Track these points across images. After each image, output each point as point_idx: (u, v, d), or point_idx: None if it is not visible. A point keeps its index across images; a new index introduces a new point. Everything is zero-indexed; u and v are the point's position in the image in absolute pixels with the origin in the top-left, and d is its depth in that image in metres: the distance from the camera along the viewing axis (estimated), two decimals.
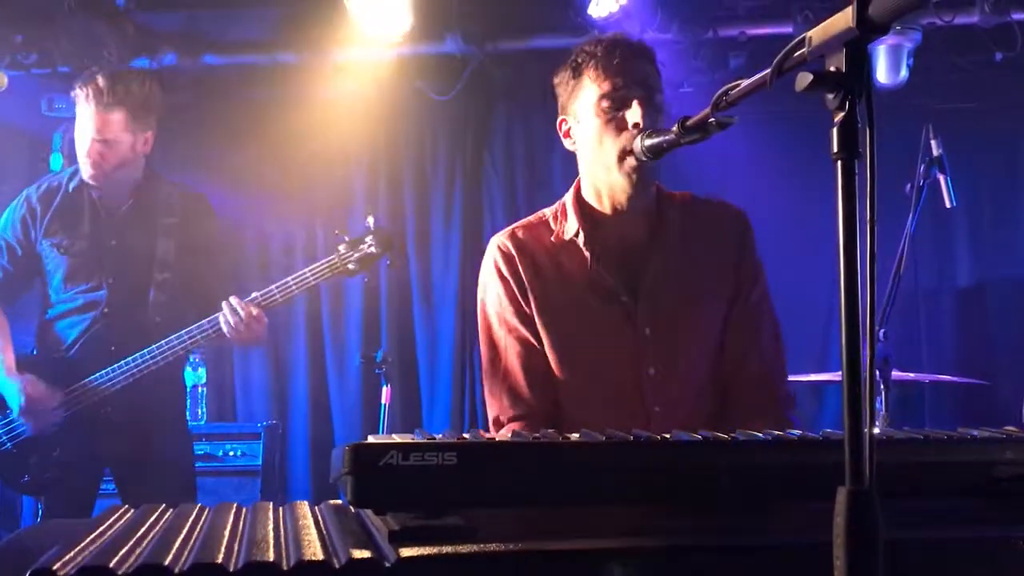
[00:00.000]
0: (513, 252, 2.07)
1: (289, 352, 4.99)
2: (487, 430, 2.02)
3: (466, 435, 1.30)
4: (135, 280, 3.20)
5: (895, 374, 3.27)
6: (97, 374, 3.11)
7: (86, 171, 3.18)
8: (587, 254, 2.05)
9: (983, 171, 4.67)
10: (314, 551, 1.08)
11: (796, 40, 1.14)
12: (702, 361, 2.07)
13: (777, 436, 1.33)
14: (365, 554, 1.08)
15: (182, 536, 1.16)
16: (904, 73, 4.16)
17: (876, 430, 1.30)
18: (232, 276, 3.45)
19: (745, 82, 1.30)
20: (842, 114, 1.04)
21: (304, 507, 1.35)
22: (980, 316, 4.67)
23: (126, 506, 1.38)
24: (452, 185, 5.04)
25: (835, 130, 1.05)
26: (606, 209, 2.06)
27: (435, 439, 1.21)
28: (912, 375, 3.63)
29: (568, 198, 2.12)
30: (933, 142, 3.33)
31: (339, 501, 1.38)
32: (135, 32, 4.39)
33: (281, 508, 1.34)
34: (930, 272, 4.68)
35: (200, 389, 4.54)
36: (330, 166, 5.04)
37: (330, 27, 4.30)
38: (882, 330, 3.16)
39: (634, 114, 1.95)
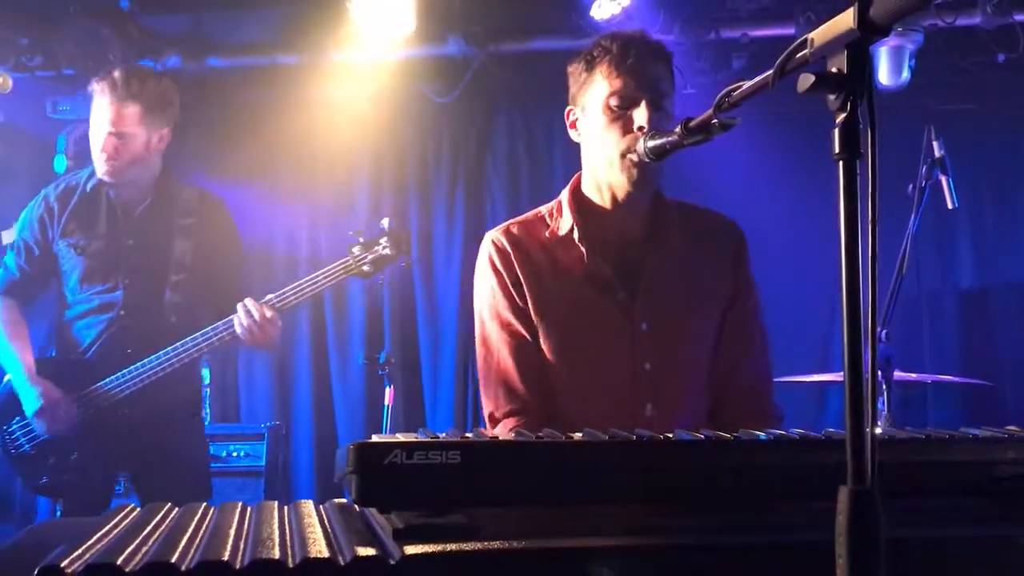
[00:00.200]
0: (508, 247, 2.08)
1: (292, 353, 5.00)
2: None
3: (469, 434, 1.30)
4: (151, 281, 3.20)
5: (897, 374, 3.27)
6: (113, 376, 3.11)
7: (100, 167, 3.17)
8: (583, 249, 2.05)
9: (985, 172, 4.68)
10: (319, 549, 1.09)
11: (798, 42, 1.14)
12: (697, 362, 2.08)
13: (779, 436, 1.33)
14: (370, 552, 1.08)
15: (188, 534, 1.17)
16: (906, 74, 4.17)
17: (878, 430, 1.31)
18: (248, 278, 3.43)
19: (747, 83, 1.30)
20: (844, 115, 1.05)
21: (309, 506, 1.35)
22: (982, 316, 4.67)
23: (132, 505, 1.39)
24: (454, 186, 5.05)
25: (837, 131, 1.05)
26: (606, 203, 2.07)
27: (439, 438, 1.21)
28: (915, 375, 3.63)
29: (564, 194, 2.13)
30: (935, 143, 3.33)
31: (344, 500, 1.39)
32: (139, 35, 4.41)
33: (286, 507, 1.35)
34: (932, 273, 4.68)
35: (204, 390, 4.54)
36: (332, 168, 5.05)
37: (332, 29, 4.31)
38: (884, 330, 3.16)
39: (641, 116, 1.95)
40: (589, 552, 1.13)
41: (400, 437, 1.21)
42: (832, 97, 1.06)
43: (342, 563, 1.06)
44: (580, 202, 2.10)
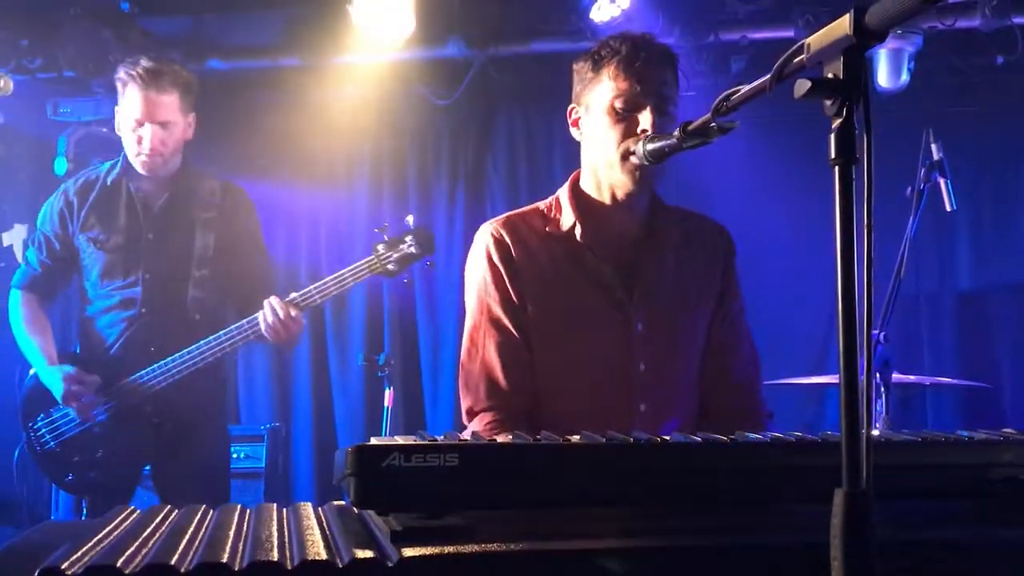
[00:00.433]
0: (506, 238, 2.07)
1: (292, 355, 5.00)
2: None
3: (467, 437, 1.31)
4: (173, 276, 3.16)
5: (896, 376, 3.28)
6: (138, 374, 3.09)
7: (142, 160, 3.12)
8: (584, 247, 2.06)
9: (984, 174, 4.68)
10: (317, 551, 1.10)
11: (795, 46, 1.15)
12: (689, 362, 2.10)
13: (776, 438, 1.34)
14: (368, 554, 1.09)
15: (188, 536, 1.17)
16: (905, 77, 4.17)
17: (875, 432, 1.31)
18: (271, 271, 3.39)
19: (745, 87, 1.31)
20: (839, 120, 1.06)
21: (308, 508, 1.36)
22: (981, 319, 4.67)
23: (132, 507, 1.40)
24: (455, 188, 5.06)
25: (832, 136, 1.06)
26: (605, 199, 2.08)
27: (437, 441, 1.22)
28: (913, 378, 3.63)
29: (563, 191, 2.13)
30: (934, 146, 3.34)
31: (342, 502, 1.40)
32: (140, 37, 4.41)
33: (285, 509, 1.36)
34: (931, 275, 4.68)
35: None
36: (332, 171, 5.06)
37: (333, 32, 4.32)
38: (883, 333, 3.16)
39: (645, 120, 1.96)
40: (586, 554, 1.13)
41: (398, 440, 1.22)
42: (828, 102, 1.06)
43: (340, 565, 1.07)
44: (580, 199, 2.10)
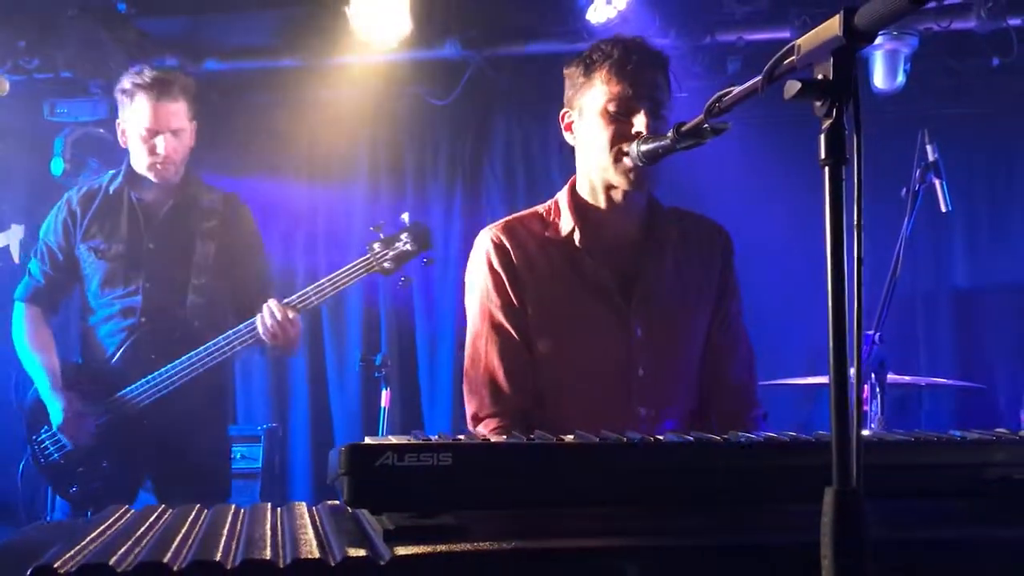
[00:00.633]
0: (507, 243, 2.07)
1: None
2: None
3: (461, 436, 1.31)
4: (172, 284, 3.16)
5: (891, 377, 3.29)
6: (139, 383, 3.08)
7: (155, 170, 3.11)
8: (584, 252, 2.06)
9: (979, 175, 4.69)
10: (310, 549, 1.10)
11: (786, 48, 1.16)
12: (688, 366, 2.11)
13: (769, 437, 1.34)
14: (360, 553, 1.09)
15: (181, 535, 1.18)
16: (901, 78, 4.18)
17: (866, 432, 1.32)
18: (269, 279, 3.39)
19: (737, 88, 1.32)
20: (829, 121, 1.06)
21: (301, 507, 1.36)
22: (976, 319, 4.68)
23: (126, 506, 1.40)
24: (452, 190, 5.06)
25: (822, 137, 1.07)
26: (601, 204, 2.08)
27: (430, 440, 1.22)
28: (908, 378, 3.64)
29: (562, 195, 2.14)
30: (929, 147, 3.34)
31: (336, 502, 1.40)
32: (137, 38, 4.41)
33: (279, 508, 1.36)
34: (926, 275, 4.69)
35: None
36: (329, 171, 5.06)
37: (329, 33, 4.32)
38: (878, 333, 3.17)
39: (639, 123, 1.96)
40: (579, 554, 1.14)
41: (392, 439, 1.23)
42: (818, 104, 1.07)
43: (332, 564, 1.07)
44: (578, 204, 2.11)
